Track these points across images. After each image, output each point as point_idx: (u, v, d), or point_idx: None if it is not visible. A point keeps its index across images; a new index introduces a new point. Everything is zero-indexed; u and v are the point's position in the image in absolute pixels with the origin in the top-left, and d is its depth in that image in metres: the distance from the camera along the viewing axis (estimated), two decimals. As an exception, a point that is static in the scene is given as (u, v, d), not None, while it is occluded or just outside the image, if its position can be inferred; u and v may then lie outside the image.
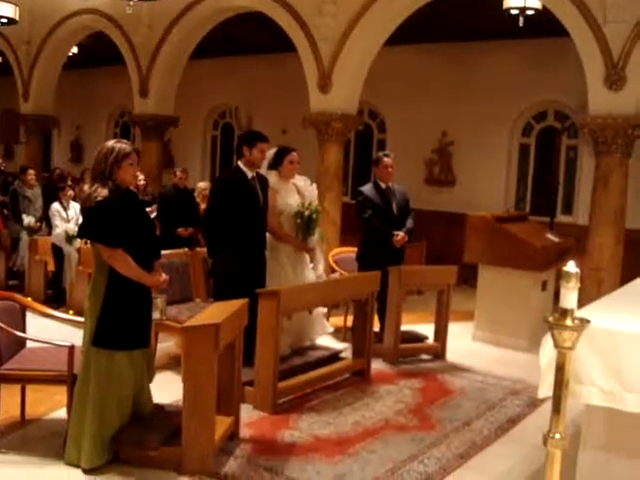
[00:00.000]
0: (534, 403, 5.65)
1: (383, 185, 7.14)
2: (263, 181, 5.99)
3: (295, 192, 6.31)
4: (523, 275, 7.07)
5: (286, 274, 6.16)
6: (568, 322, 2.82)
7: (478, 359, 7.00)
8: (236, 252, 5.74)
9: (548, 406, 3.07)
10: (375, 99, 12.75)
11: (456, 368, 6.72)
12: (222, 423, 4.57)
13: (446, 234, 11.32)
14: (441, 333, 6.99)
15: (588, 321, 2.85)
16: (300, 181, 6.44)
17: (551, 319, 2.86)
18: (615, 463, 3.58)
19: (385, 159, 7.12)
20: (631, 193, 8.13)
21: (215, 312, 4.49)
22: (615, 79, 7.58)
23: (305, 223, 6.17)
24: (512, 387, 6.17)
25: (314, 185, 6.57)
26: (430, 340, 7.17)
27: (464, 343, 7.50)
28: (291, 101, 11.87)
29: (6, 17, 10.73)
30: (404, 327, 7.10)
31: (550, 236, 7.76)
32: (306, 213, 6.16)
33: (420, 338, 7.24)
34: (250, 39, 12.86)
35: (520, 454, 4.73)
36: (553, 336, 2.87)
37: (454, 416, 5.42)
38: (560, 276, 2.89)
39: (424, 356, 6.99)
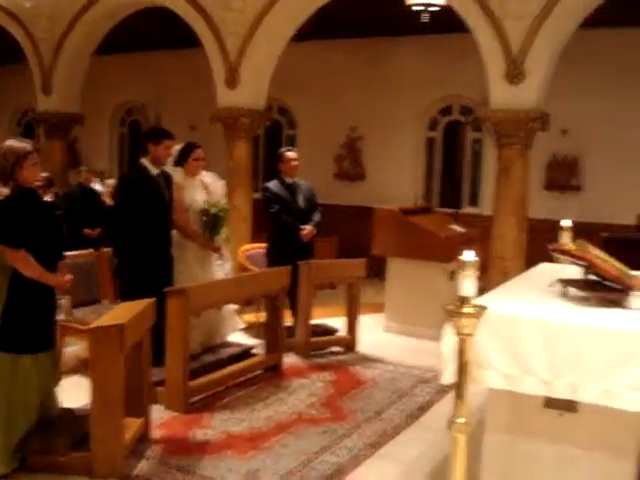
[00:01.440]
0: (444, 390, 5.76)
1: (289, 180, 7.17)
2: (168, 178, 5.91)
3: (201, 189, 6.26)
4: (430, 266, 7.22)
5: (194, 272, 6.10)
6: (466, 309, 2.88)
7: (389, 349, 7.11)
8: (142, 251, 5.65)
9: (456, 392, 3.14)
10: (284, 95, 12.75)
11: (367, 359, 6.81)
12: (132, 425, 4.50)
13: (357, 228, 11.42)
14: (352, 325, 7.07)
15: (485, 308, 2.93)
16: (207, 178, 6.38)
17: (450, 307, 2.93)
18: (518, 444, 3.70)
19: (288, 154, 7.16)
20: (532, 183, 8.41)
21: (121, 313, 4.41)
22: (515, 73, 7.81)
23: (211, 221, 6.13)
24: (422, 375, 6.29)
25: (222, 182, 6.53)
26: (342, 333, 7.24)
27: (375, 334, 7.61)
28: (199, 97, 11.77)
29: None
30: (316, 321, 7.16)
31: (455, 227, 7.95)
32: (212, 211, 6.12)
33: (331, 331, 7.31)
34: (157, 34, 12.63)
35: (430, 440, 4.83)
36: (453, 323, 2.93)
37: (365, 406, 5.51)
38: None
39: (336, 349, 7.06)
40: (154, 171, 5.77)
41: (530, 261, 6.99)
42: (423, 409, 5.51)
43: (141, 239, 5.65)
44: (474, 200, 12.09)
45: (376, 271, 8.40)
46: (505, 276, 7.45)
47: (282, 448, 4.69)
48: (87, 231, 8.90)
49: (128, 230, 5.67)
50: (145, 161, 5.80)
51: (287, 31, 9.53)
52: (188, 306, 5.14)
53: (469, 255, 2.91)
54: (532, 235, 8.07)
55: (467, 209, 11.83)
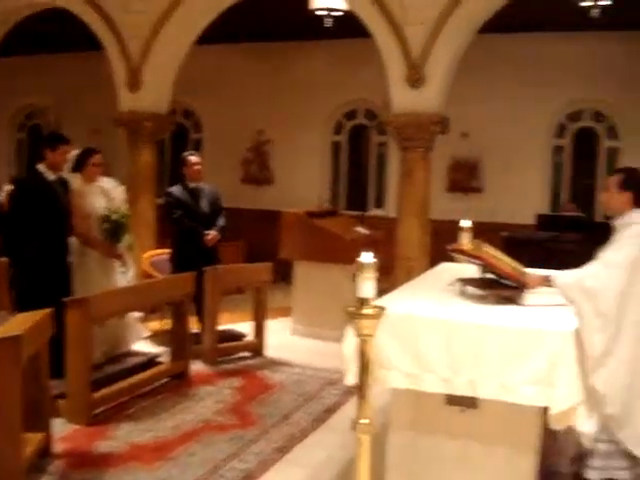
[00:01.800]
0: (350, 391, 5.76)
1: (192, 184, 7.09)
2: (65, 184, 5.75)
3: (101, 195, 6.11)
4: (335, 268, 7.26)
5: (96, 281, 5.95)
6: (366, 311, 2.90)
7: (297, 353, 7.12)
8: (38, 259, 5.47)
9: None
10: (190, 98, 12.63)
11: (275, 363, 6.80)
12: (32, 440, 4.34)
13: (265, 232, 11.36)
14: (260, 330, 7.05)
15: (384, 309, 2.96)
16: (107, 183, 6.24)
17: (350, 309, 2.95)
18: (422, 442, 3.76)
19: (190, 158, 7.10)
20: (435, 186, 8.59)
21: (16, 324, 4.23)
22: (415, 78, 7.96)
23: (112, 228, 5.99)
24: (330, 377, 6.31)
25: (122, 187, 6.39)
26: (250, 338, 7.20)
27: (283, 338, 7.61)
28: (102, 100, 11.45)
29: None
30: (224, 327, 7.09)
31: (360, 229, 8.03)
32: (113, 217, 5.98)
33: (239, 336, 7.27)
34: (57, 37, 12.26)
35: (337, 442, 4.85)
36: (353, 325, 2.95)
37: (273, 411, 5.49)
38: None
39: (244, 354, 7.01)
40: (51, 177, 5.60)
41: (434, 261, 7.12)
42: (330, 411, 5.53)
43: (37, 247, 5.47)
44: (380, 202, 12.26)
45: (284, 275, 8.40)
46: (410, 276, 7.55)
47: (189, 457, 4.62)
48: None
49: (23, 237, 5.48)
50: (41, 167, 5.63)
51: (190, 34, 9.43)
52: (89, 315, 5.00)
53: (367, 257, 2.93)
54: (436, 236, 8.21)
55: (373, 211, 12.00)
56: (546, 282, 3.80)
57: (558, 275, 3.77)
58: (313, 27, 9.87)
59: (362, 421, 2.99)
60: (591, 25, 9.46)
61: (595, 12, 7.19)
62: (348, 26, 9.07)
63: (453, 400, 3.60)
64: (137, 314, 6.45)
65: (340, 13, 8.89)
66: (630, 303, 3.64)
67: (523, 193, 11.10)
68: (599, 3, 7.12)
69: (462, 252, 4.08)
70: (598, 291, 3.56)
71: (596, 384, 3.65)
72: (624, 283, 3.61)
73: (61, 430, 4.91)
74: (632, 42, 10.48)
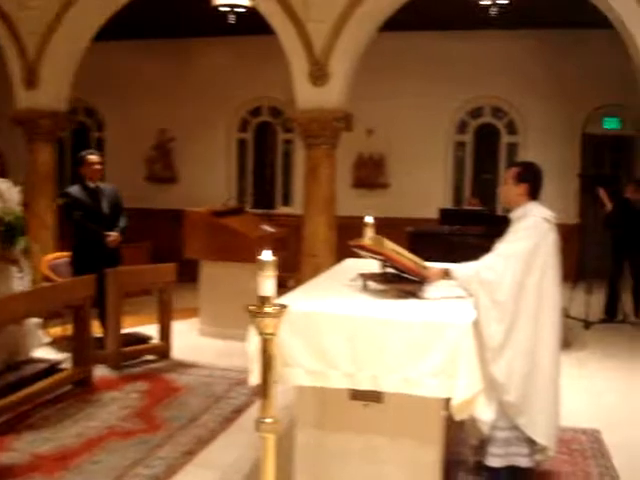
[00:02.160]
0: (259, 391, 5.75)
1: (91, 184, 6.89)
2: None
3: (-5, 196, 5.86)
4: (241, 267, 7.18)
5: (-9, 286, 5.70)
6: (267, 309, 2.88)
7: (204, 354, 7.04)
8: None
9: (272, 392, 3.13)
10: (91, 97, 12.33)
11: (182, 365, 6.69)
12: None
13: (171, 232, 11.15)
14: (165, 332, 6.92)
15: (286, 306, 2.94)
16: (1, 184, 5.98)
17: (252, 308, 2.91)
18: (328, 438, 3.76)
19: (90, 157, 6.91)
20: (340, 182, 8.64)
21: None
22: (318, 75, 7.99)
23: (6, 231, 5.74)
24: (238, 377, 6.22)
25: (17, 188, 6.13)
26: (155, 340, 7.06)
27: (190, 339, 7.51)
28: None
29: None
30: (128, 330, 6.93)
31: (266, 227, 8.00)
32: (7, 219, 5.74)
33: (144, 339, 7.11)
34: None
35: (246, 443, 4.80)
36: (255, 324, 2.92)
37: (180, 414, 5.38)
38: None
39: (150, 357, 6.87)
40: (-63, 179, 5.34)
41: (341, 258, 7.16)
42: (239, 411, 5.48)
43: None
44: (287, 200, 12.26)
45: (192, 275, 8.27)
46: (317, 273, 7.57)
47: (92, 465, 4.48)
48: None
49: None
50: None
51: (89, 29, 9.20)
52: (-18, 323, 4.79)
53: (267, 255, 2.91)
54: (343, 232, 8.26)
55: (281, 209, 11.99)
56: (446, 275, 3.86)
57: (457, 268, 3.84)
58: (216, 23, 9.79)
59: (266, 420, 2.96)
60: (492, 24, 9.74)
61: (493, 11, 7.40)
62: (251, 23, 9.04)
63: (358, 395, 3.61)
64: (36, 320, 6.21)
65: (243, 10, 8.87)
66: (526, 294, 3.73)
67: (427, 188, 11.32)
68: (497, 2, 7.32)
69: (363, 248, 4.10)
70: (494, 282, 3.64)
71: (495, 374, 3.74)
72: (520, 274, 3.70)
73: (-44, 444, 4.70)
74: (530, 40, 10.84)
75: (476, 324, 3.48)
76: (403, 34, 10.58)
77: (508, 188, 4.08)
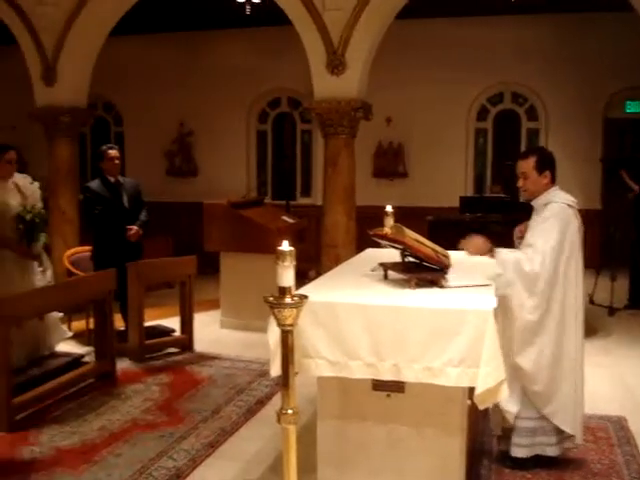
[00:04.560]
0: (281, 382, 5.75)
1: (112, 179, 6.91)
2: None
3: (16, 192, 5.89)
4: (262, 258, 7.16)
5: (14, 281, 5.73)
6: (287, 300, 2.85)
7: (226, 346, 7.05)
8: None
9: (294, 383, 3.11)
10: (109, 91, 12.37)
11: (204, 357, 6.71)
12: (-52, 451, 4.17)
13: (192, 225, 11.23)
14: (187, 324, 6.93)
15: (306, 297, 2.91)
16: (21, 180, 6.01)
17: (271, 299, 2.89)
18: (351, 429, 3.74)
19: (109, 151, 6.91)
20: (361, 172, 8.59)
21: None
22: (336, 64, 7.93)
23: (28, 228, 5.78)
24: (260, 369, 6.24)
25: (36, 184, 6.16)
26: (177, 333, 7.08)
27: (212, 331, 7.53)
28: (18, 95, 11.09)
29: None
30: (151, 323, 6.95)
31: (286, 218, 7.98)
32: (28, 217, 5.76)
33: (166, 332, 7.13)
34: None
35: (268, 434, 4.81)
36: (275, 315, 2.90)
37: (203, 406, 5.40)
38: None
39: (172, 350, 6.89)
40: (-42, 176, 5.38)
41: (361, 248, 7.15)
42: (261, 403, 5.48)
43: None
44: (307, 190, 12.24)
45: (214, 267, 8.28)
46: (337, 264, 7.55)
47: (115, 458, 4.50)
48: None
49: None
50: (-52, 166, 5.40)
51: (106, 24, 9.18)
52: (5, 318, 4.82)
53: (286, 245, 2.89)
54: (363, 222, 8.22)
55: (300, 200, 11.97)
56: (490, 253, 3.88)
57: (501, 251, 3.87)
58: (234, 15, 9.78)
59: (287, 411, 2.95)
60: (511, 9, 9.64)
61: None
62: (268, 13, 9.02)
63: (379, 385, 3.58)
64: (58, 314, 6.25)
65: (259, 0, 8.86)
66: (557, 284, 3.79)
67: (447, 176, 11.25)
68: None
69: (383, 237, 4.07)
70: (531, 274, 3.81)
71: (522, 363, 3.72)
72: (554, 265, 3.85)
73: (-19, 438, 4.74)
74: (550, 25, 10.72)
75: (504, 314, 3.48)
76: (421, 21, 10.51)
77: (533, 181, 4.06)
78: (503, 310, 3.77)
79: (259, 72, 11.74)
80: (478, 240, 4.04)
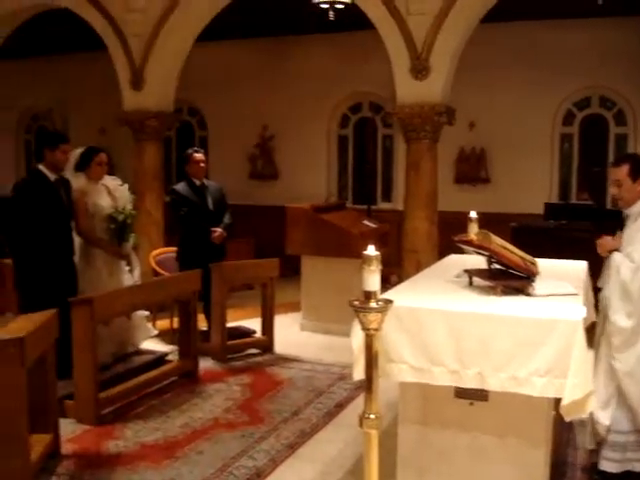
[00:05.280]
0: (361, 386, 5.73)
1: (197, 182, 7.05)
2: (67, 184, 5.73)
3: (106, 193, 6.08)
4: (343, 262, 7.20)
5: (102, 279, 5.93)
6: (372, 304, 2.85)
7: (306, 348, 7.09)
8: (41, 260, 5.45)
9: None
10: (194, 96, 12.60)
11: (285, 359, 6.77)
12: (39, 441, 4.33)
13: (274, 228, 11.31)
14: (268, 326, 7.01)
15: (391, 302, 2.91)
16: (111, 182, 6.20)
17: (356, 303, 2.90)
18: (432, 435, 3.71)
19: (195, 155, 7.05)
20: (442, 177, 8.51)
21: (21, 325, 4.21)
22: (420, 69, 7.87)
23: (119, 228, 5.95)
24: (340, 372, 6.27)
25: (125, 186, 6.35)
26: (258, 334, 7.17)
27: (293, 334, 7.58)
28: (107, 100, 11.45)
29: None
30: (232, 323, 7.06)
31: (367, 222, 7.98)
32: (120, 218, 5.94)
33: (248, 333, 7.23)
34: (60, 37, 12.25)
35: (348, 437, 4.82)
36: (359, 319, 2.90)
37: (283, 407, 5.45)
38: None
39: (253, 350, 6.98)
40: (51, 176, 5.58)
41: (443, 253, 7.07)
42: (341, 406, 5.50)
43: (39, 247, 5.45)
44: (387, 195, 12.21)
45: (295, 269, 8.35)
46: (418, 269, 7.51)
47: (198, 455, 4.59)
48: None
49: (26, 238, 5.46)
50: (41, 167, 5.60)
51: (192, 31, 9.38)
52: (95, 315, 4.97)
53: (371, 250, 2.88)
54: (444, 228, 8.15)
55: (381, 205, 11.95)
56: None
57: (617, 253, 3.95)
58: (316, 20, 9.84)
59: (370, 416, 2.94)
60: (597, 11, 9.39)
61: (600, -2, 7.12)
62: (351, 18, 9.04)
63: (462, 393, 3.54)
64: (144, 313, 6.42)
65: (342, 6, 8.89)
66: None
67: (531, 182, 11.01)
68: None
69: (468, 243, 4.02)
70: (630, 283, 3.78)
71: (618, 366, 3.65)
72: None
73: (70, 431, 4.91)
74: (638, 28, 10.37)
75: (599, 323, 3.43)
76: (506, 24, 10.32)
77: (627, 188, 3.98)
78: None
79: (341, 77, 11.78)
80: (607, 239, 4.07)
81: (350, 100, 12.38)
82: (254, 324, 7.40)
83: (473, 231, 4.72)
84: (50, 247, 5.51)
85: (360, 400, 5.54)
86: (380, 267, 2.90)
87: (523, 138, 11.05)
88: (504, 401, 3.47)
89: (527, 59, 10.84)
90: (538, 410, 3.49)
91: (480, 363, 3.30)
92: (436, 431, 3.70)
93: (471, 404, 3.56)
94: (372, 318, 2.86)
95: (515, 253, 3.67)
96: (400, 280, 7.20)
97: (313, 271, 7.57)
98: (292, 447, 4.72)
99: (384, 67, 8.43)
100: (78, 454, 4.62)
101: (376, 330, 2.89)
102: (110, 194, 6.11)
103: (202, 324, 6.79)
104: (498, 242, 3.66)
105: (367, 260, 2.87)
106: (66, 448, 4.65)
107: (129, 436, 4.90)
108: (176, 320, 6.66)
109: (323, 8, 9.10)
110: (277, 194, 12.21)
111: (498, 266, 3.81)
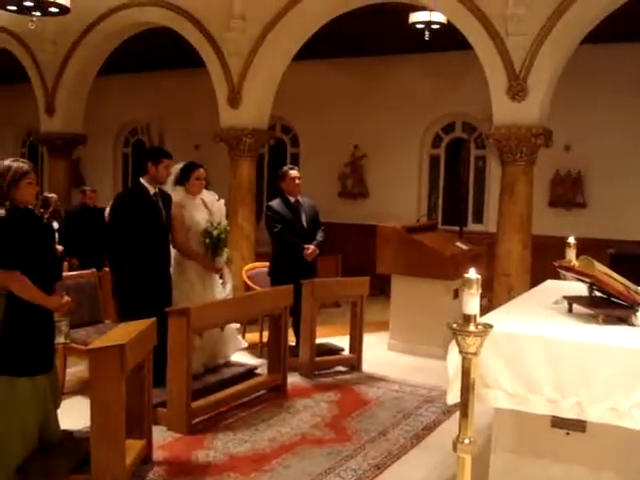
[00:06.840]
0: (449, 410, 5.69)
1: (292, 199, 7.13)
2: (166, 197, 5.90)
3: (203, 208, 6.23)
4: (434, 283, 7.16)
5: (196, 291, 6.06)
6: (471, 328, 2.83)
7: (394, 368, 7.04)
8: (139, 270, 5.62)
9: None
10: (287, 113, 12.78)
11: (372, 378, 6.74)
12: (133, 447, 4.44)
13: (362, 246, 11.37)
14: (356, 344, 7.01)
15: (491, 326, 2.88)
16: (208, 196, 6.36)
17: (455, 325, 2.88)
18: (525, 464, 3.64)
19: (291, 172, 7.13)
20: (537, 200, 8.35)
21: (121, 333, 4.36)
22: (517, 90, 7.77)
23: (214, 243, 6.08)
24: (428, 395, 6.22)
25: (222, 201, 6.49)
26: (346, 352, 7.18)
27: (380, 353, 7.55)
28: (203, 116, 11.76)
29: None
30: (320, 340, 7.09)
31: (459, 244, 7.90)
32: (215, 233, 6.07)
33: (336, 350, 7.25)
34: (160, 54, 12.69)
35: (435, 461, 4.76)
36: (457, 342, 2.88)
37: (370, 427, 5.43)
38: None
39: (340, 368, 6.99)
40: (151, 190, 5.76)
41: (535, 278, 6.95)
42: (429, 429, 5.43)
43: (137, 258, 5.63)
44: (479, 217, 12.06)
45: (382, 288, 8.35)
46: (510, 293, 7.39)
47: (285, 469, 4.62)
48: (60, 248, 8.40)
49: (124, 249, 5.65)
50: (143, 180, 5.80)
51: (289, 50, 9.53)
52: (190, 326, 5.09)
53: (472, 273, 2.86)
54: (537, 252, 8.00)
55: (472, 226, 11.81)
56: None
57: None
58: (410, 40, 9.86)
59: (464, 440, 2.91)
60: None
61: None
62: (446, 38, 9.02)
63: (559, 422, 3.46)
64: (235, 325, 6.53)
65: (438, 26, 8.88)
66: None
67: (631, 207, 10.66)
68: None
69: (569, 269, 3.94)
70: None
71: None
72: None
73: (162, 438, 5.02)
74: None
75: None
76: (604, 45, 10.09)
77: None
78: None
79: (435, 97, 11.74)
80: None
81: (443, 120, 12.31)
82: (341, 341, 7.41)
83: (571, 256, 4.62)
84: (148, 258, 5.67)
85: (448, 424, 5.51)
86: (480, 291, 2.88)
87: (622, 161, 10.73)
88: (602, 433, 3.37)
89: (625, 80, 10.55)
90: (638, 444, 3.37)
91: (579, 393, 3.22)
92: (530, 460, 3.63)
93: (567, 434, 3.48)
94: (471, 342, 2.84)
95: (618, 281, 3.57)
96: (491, 304, 7.11)
97: (403, 291, 7.53)
98: (379, 467, 4.69)
99: (478, 87, 8.37)
100: (169, 461, 4.72)
101: (474, 354, 2.87)
102: (207, 208, 6.26)
103: (290, 339, 6.85)
104: (601, 269, 3.57)
105: (468, 283, 2.85)
106: (157, 455, 4.76)
107: (219, 447, 4.98)
108: (265, 334, 6.74)
109: (419, 29, 9.12)
110: (366, 213, 12.24)
111: (600, 294, 3.72)
